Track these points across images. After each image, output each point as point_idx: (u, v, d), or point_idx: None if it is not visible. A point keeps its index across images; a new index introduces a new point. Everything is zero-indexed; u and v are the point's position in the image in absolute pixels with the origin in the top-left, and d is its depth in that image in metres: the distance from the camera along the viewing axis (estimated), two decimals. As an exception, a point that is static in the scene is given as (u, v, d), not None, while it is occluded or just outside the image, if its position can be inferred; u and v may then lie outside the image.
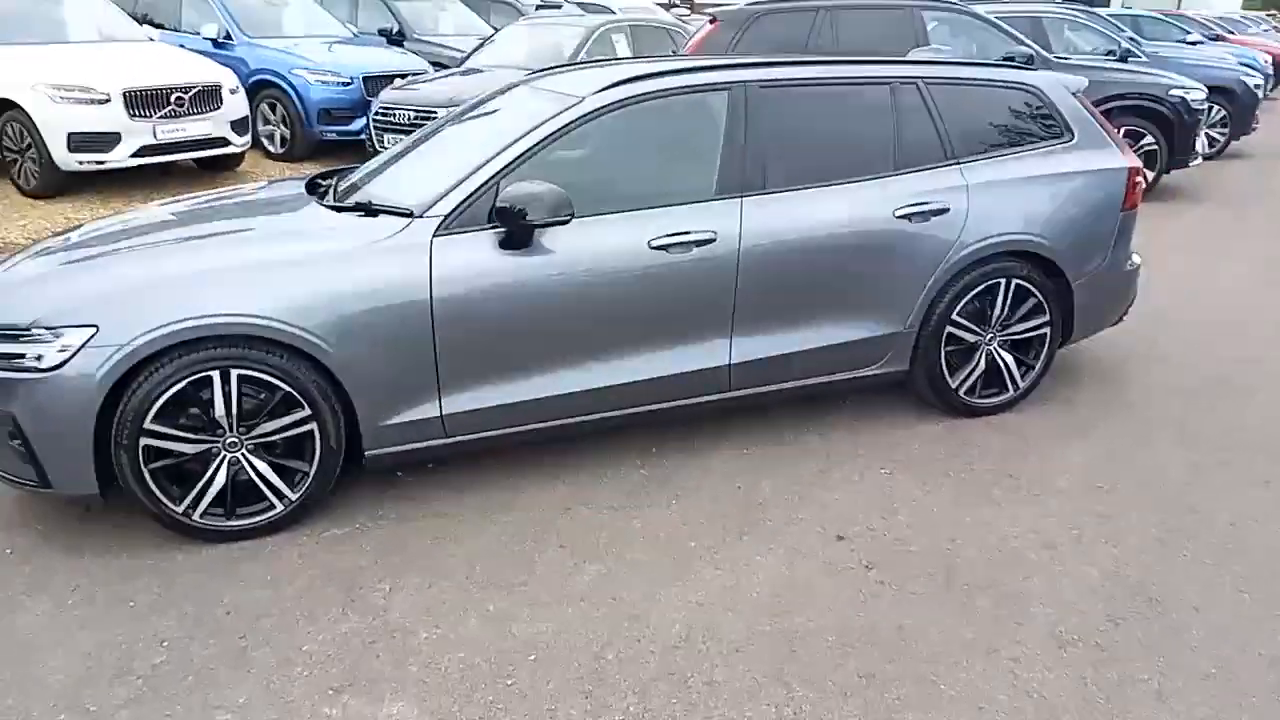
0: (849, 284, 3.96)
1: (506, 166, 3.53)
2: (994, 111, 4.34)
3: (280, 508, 3.37)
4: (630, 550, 3.31)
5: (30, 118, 8.07)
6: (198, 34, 10.66)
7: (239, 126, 9.00)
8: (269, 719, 2.53)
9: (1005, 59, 8.71)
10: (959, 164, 4.16)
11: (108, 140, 8.17)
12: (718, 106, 3.84)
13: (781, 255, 3.81)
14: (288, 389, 3.25)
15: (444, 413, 3.48)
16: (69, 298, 3.15)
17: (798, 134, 3.98)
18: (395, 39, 12.22)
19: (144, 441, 3.14)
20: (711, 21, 9.43)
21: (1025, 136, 4.36)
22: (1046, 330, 4.36)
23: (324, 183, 4.22)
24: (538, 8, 14.44)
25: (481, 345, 3.47)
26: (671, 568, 3.20)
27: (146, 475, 3.18)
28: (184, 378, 3.13)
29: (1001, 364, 4.32)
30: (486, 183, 3.48)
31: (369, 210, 3.57)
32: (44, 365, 3.06)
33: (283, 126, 10.29)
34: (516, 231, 3.42)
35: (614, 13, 12.42)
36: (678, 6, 24.01)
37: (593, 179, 3.72)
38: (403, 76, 10.28)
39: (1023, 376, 4.41)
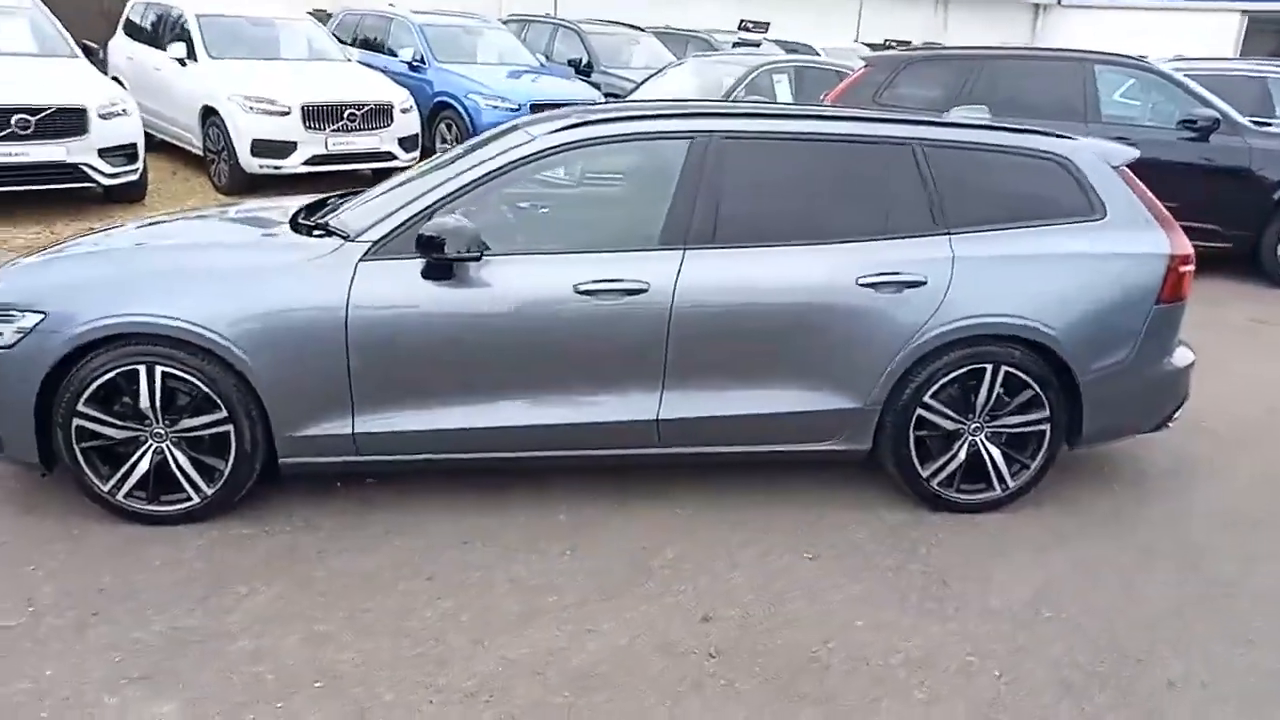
0: (798, 350, 3.72)
1: (444, 199, 3.60)
2: (1007, 181, 3.94)
3: (196, 500, 3.59)
4: (492, 594, 3.27)
5: (225, 124, 9.10)
6: (396, 56, 11.57)
7: (407, 142, 9.69)
8: (60, 695, 2.71)
9: (1184, 122, 7.87)
10: (949, 235, 3.80)
11: (284, 148, 9.05)
12: (676, 155, 3.73)
13: (720, 313, 3.65)
14: (206, 390, 3.47)
15: (356, 431, 3.58)
16: (32, 287, 3.54)
17: (762, 190, 3.80)
18: (583, 70, 12.71)
19: (77, 422, 3.45)
20: (864, 66, 9.13)
21: (1043, 210, 3.92)
22: (1045, 428, 3.89)
23: (329, 204, 4.46)
24: (734, 45, 14.53)
25: (396, 369, 3.55)
26: (516, 619, 3.13)
27: (78, 452, 3.50)
28: (114, 368, 3.42)
29: (987, 458, 3.90)
30: (420, 213, 3.57)
31: (326, 232, 3.75)
32: (2, 343, 3.45)
33: (455, 145, 10.94)
34: (433, 262, 3.49)
35: (816, 53, 12.26)
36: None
37: (536, 218, 3.73)
38: (568, 105, 10.66)
39: (1014, 475, 3.95)
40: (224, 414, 3.51)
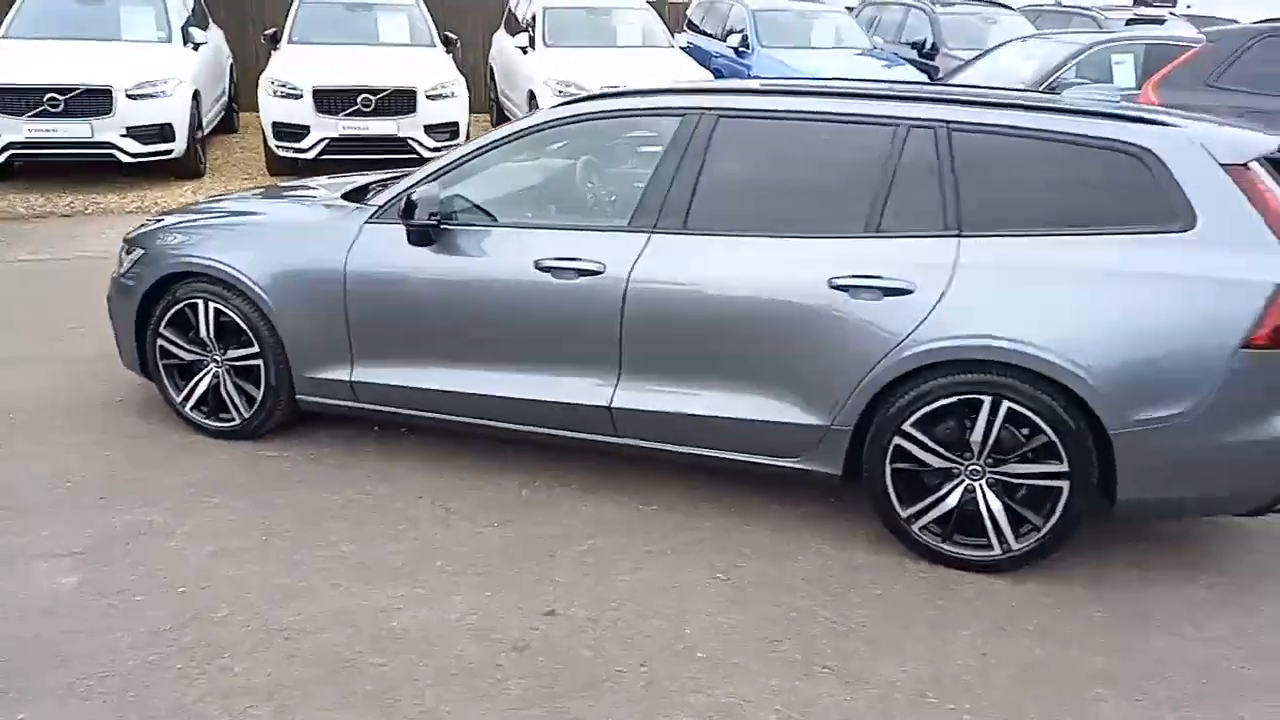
0: (759, 353, 3.35)
1: (442, 169, 3.78)
2: (1061, 177, 3.17)
3: (238, 421, 4.16)
4: (388, 548, 3.39)
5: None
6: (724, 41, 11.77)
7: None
8: None
9: None
10: (960, 237, 3.17)
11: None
12: (666, 133, 3.53)
13: (675, 303, 3.41)
14: (244, 327, 4.01)
15: (354, 379, 3.91)
16: (145, 232, 4.30)
17: (749, 173, 3.46)
18: (927, 52, 11.97)
19: (160, 342, 4.17)
20: (1206, 42, 7.58)
21: (1106, 215, 3.11)
22: (1063, 484, 3.11)
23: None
24: (1128, 22, 12.71)
25: (383, 326, 3.81)
26: (382, 573, 3.23)
27: (160, 367, 4.21)
28: (183, 300, 4.08)
29: (984, 509, 3.21)
30: (419, 181, 3.78)
31: (361, 200, 4.10)
32: (121, 270, 4.25)
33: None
34: (410, 228, 3.67)
35: (1161, 24, 10.45)
36: None
37: (520, 194, 3.76)
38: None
39: (1020, 535, 3.21)
40: (256, 349, 4.01)
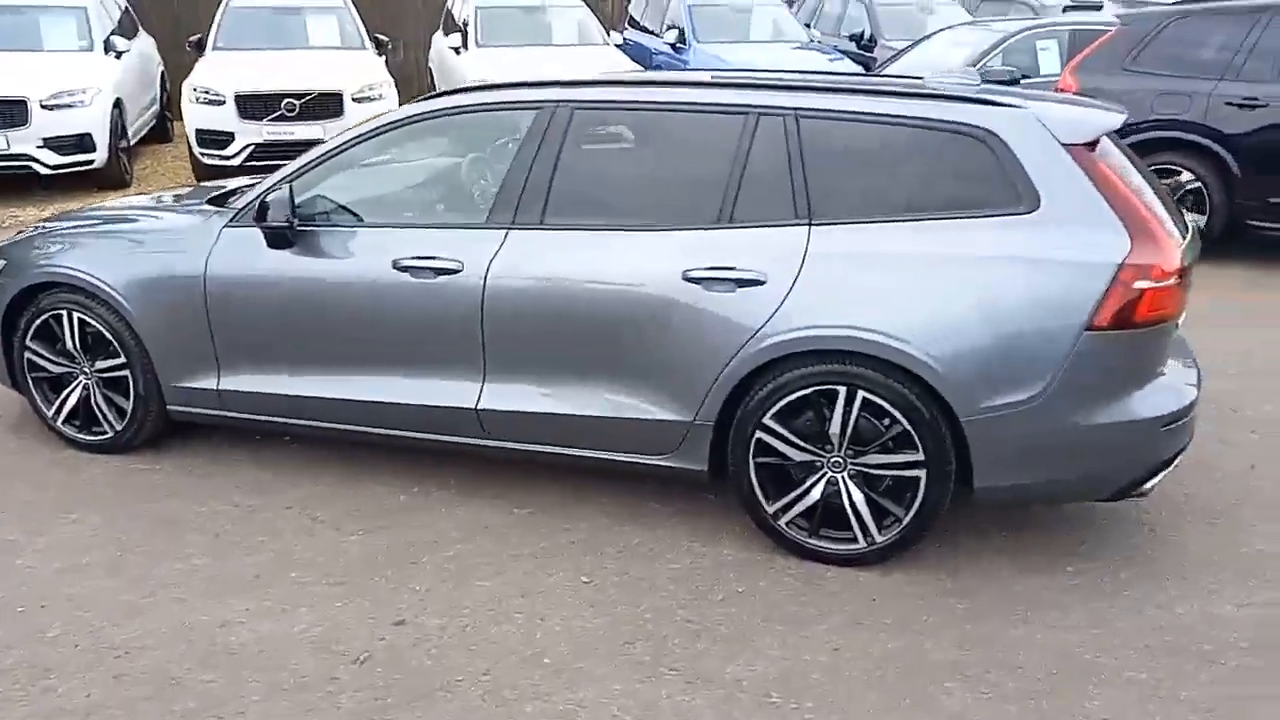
0: (620, 350, 3.28)
1: (300, 169, 3.69)
2: (909, 162, 3.13)
3: (110, 434, 4.05)
4: (247, 559, 3.30)
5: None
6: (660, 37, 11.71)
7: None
8: None
9: None
10: (810, 226, 3.12)
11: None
12: (521, 127, 3.46)
13: (534, 301, 3.34)
14: (109, 338, 3.89)
15: (220, 387, 3.81)
16: (5, 246, 4.18)
17: (604, 166, 3.41)
18: (865, 44, 11.95)
19: (27, 355, 4.05)
20: (1119, 25, 7.60)
21: (954, 200, 3.06)
22: (919, 474, 3.06)
23: None
24: (1065, 9, 12.74)
25: (245, 332, 3.72)
26: (234, 585, 3.14)
27: (30, 380, 4.09)
28: (45, 311, 3.96)
29: (848, 502, 3.16)
30: (278, 182, 3.68)
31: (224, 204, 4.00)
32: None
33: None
34: (267, 231, 3.58)
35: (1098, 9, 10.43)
36: None
37: (381, 192, 3.69)
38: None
39: (882, 528, 3.16)
40: (122, 360, 3.90)
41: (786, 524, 3.26)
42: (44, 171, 8.65)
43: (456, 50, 10.76)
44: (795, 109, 3.19)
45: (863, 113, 3.15)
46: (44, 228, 4.26)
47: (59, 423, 4.10)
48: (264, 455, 4.03)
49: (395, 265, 3.45)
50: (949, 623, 2.97)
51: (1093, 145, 3.03)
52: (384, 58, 10.27)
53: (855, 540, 3.19)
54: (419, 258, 3.43)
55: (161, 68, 11.70)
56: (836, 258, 3.07)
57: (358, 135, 3.65)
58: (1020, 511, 3.56)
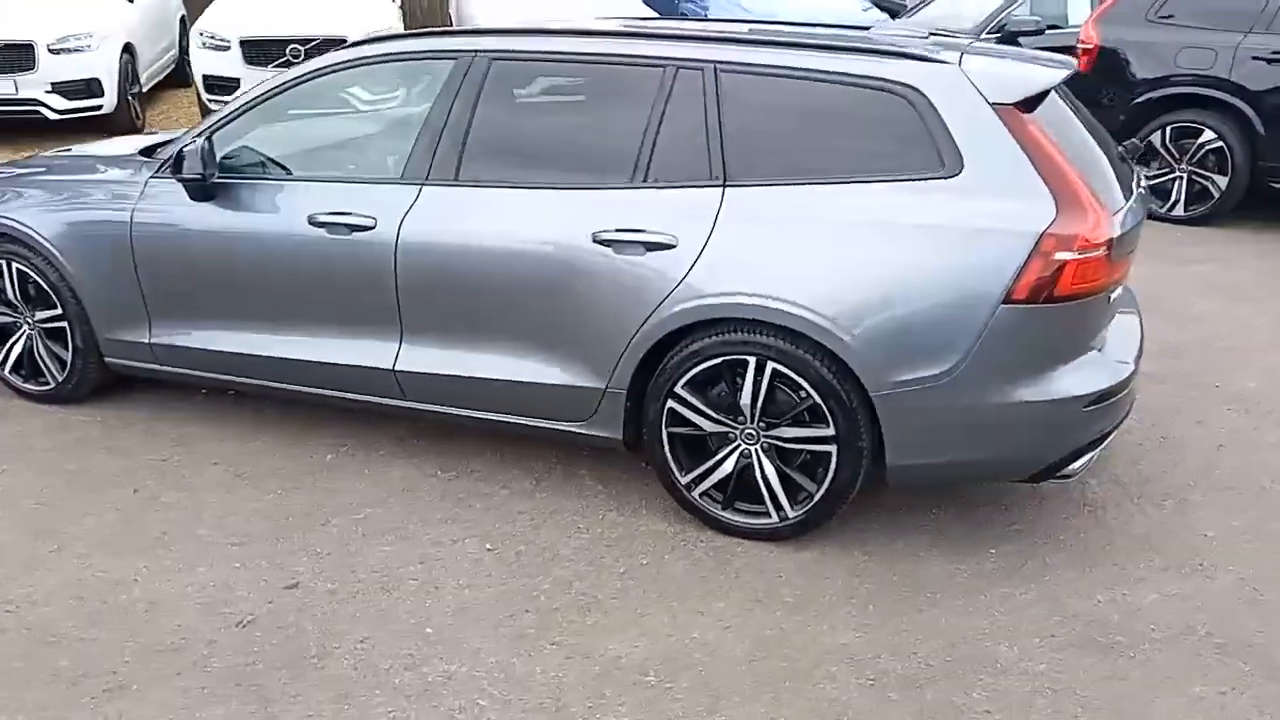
0: (533, 313, 3.18)
1: (222, 119, 3.61)
2: (830, 120, 2.95)
3: (52, 385, 4.05)
4: (156, 516, 3.27)
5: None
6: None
7: (60, 89, 8.77)
8: None
9: None
10: (724, 186, 2.96)
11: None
12: (439, 78, 3.33)
13: (446, 260, 3.24)
14: (46, 289, 3.88)
15: (152, 340, 3.78)
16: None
17: (521, 120, 3.27)
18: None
19: (-29, 312, 4.07)
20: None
21: (876, 160, 2.88)
22: (831, 449, 2.93)
23: None
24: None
25: (171, 285, 3.68)
26: (137, 544, 3.12)
27: (-24, 340, 4.11)
28: (-12, 260, 3.96)
29: (760, 476, 3.05)
30: (197, 134, 3.61)
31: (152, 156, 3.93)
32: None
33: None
34: (185, 183, 3.51)
35: None
36: None
37: (301, 144, 3.60)
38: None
39: (795, 503, 3.05)
40: (59, 311, 3.90)
41: (700, 495, 3.15)
42: (52, 116, 8.66)
43: (462, -7, 10.56)
44: (714, 62, 3.02)
45: (784, 67, 2.97)
46: None
47: (6, 372, 4.12)
48: (207, 409, 4.02)
49: (311, 221, 3.38)
50: (851, 604, 2.86)
51: (1027, 104, 2.82)
52: (399, 1, 10.11)
53: (768, 515, 3.09)
54: (334, 213, 3.35)
55: (182, 12, 11.67)
56: (748, 222, 2.93)
57: (280, 84, 3.55)
58: (958, 490, 3.41)
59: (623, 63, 3.14)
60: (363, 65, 3.47)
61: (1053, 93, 3.25)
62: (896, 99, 2.84)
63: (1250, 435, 3.86)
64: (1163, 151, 6.89)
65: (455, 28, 3.48)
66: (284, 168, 3.58)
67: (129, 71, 9.34)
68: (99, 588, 2.93)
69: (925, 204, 2.79)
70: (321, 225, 3.36)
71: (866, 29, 3.43)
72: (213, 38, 8.97)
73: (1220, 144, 6.70)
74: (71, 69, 8.65)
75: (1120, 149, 3.39)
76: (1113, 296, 2.93)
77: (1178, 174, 6.88)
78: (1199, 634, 2.74)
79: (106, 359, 3.92)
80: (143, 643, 2.69)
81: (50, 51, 8.56)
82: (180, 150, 3.46)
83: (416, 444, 3.74)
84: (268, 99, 3.56)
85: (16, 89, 8.50)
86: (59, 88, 8.60)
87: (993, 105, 2.78)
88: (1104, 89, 7.18)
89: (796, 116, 2.97)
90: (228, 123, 3.58)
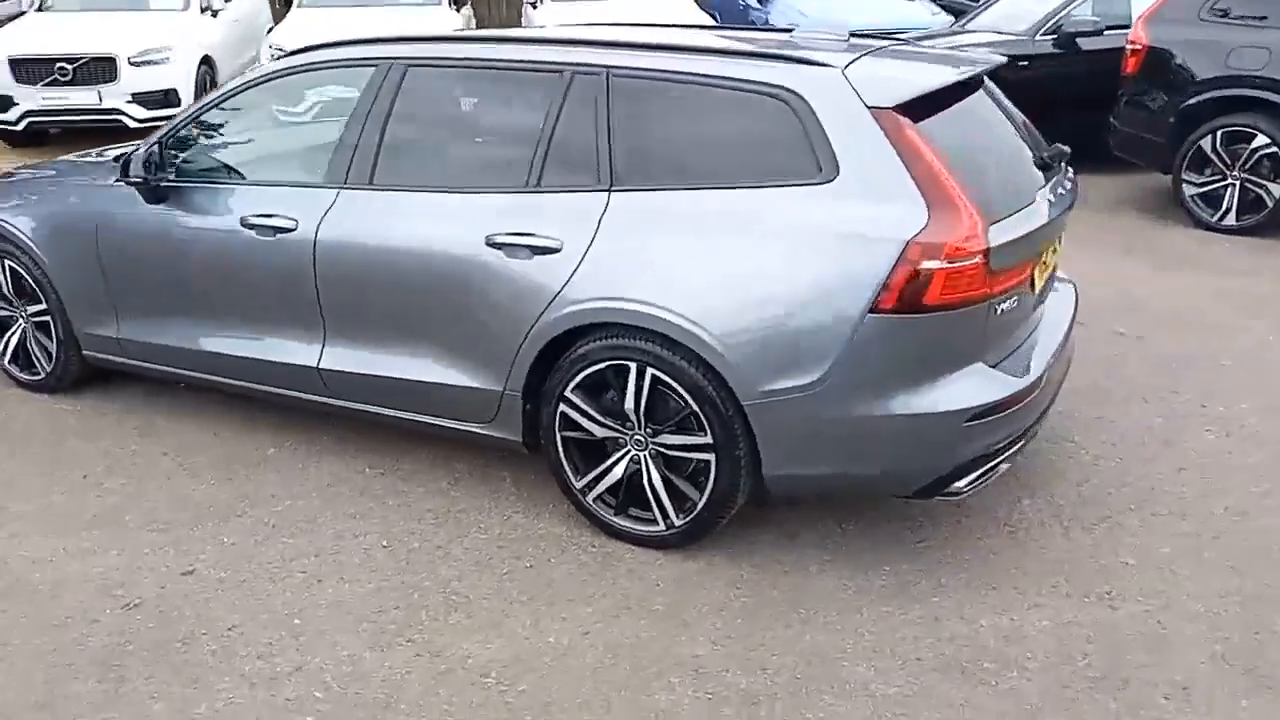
0: (438, 315, 3.23)
1: (175, 127, 3.79)
2: (712, 125, 2.90)
3: (42, 375, 4.33)
4: (95, 502, 3.46)
5: None
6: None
7: (149, 99, 9.13)
8: None
9: None
10: (609, 191, 2.95)
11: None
12: (360, 85, 3.43)
13: (358, 262, 3.33)
14: (33, 285, 4.15)
15: (120, 335, 4.00)
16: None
17: (432, 126, 3.33)
18: (965, -11, 11.19)
19: (-25, 301, 4.38)
20: (1196, -26, 6.79)
21: (756, 165, 2.82)
22: (710, 457, 2.88)
23: None
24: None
25: (132, 283, 3.89)
26: (72, 524, 3.31)
27: (-21, 325, 4.43)
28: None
29: (647, 483, 3.01)
30: (152, 141, 3.80)
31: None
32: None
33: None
34: (136, 186, 3.70)
35: None
36: None
37: (241, 149, 3.76)
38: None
39: (680, 512, 3.00)
40: (44, 305, 4.16)
41: (594, 500, 3.15)
42: (132, 125, 9.19)
43: (534, 4, 10.75)
44: (608, 67, 3.01)
45: (672, 72, 2.95)
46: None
47: (4, 362, 4.42)
48: (182, 403, 4.20)
49: (243, 222, 3.51)
50: (720, 616, 2.80)
51: (910, 107, 2.72)
52: (465, 12, 10.38)
53: (656, 522, 3.05)
54: (261, 215, 3.48)
55: (271, 24, 12.27)
56: (629, 227, 2.91)
57: (227, 91, 3.72)
58: (872, 504, 3.30)
59: (526, 68, 3.17)
60: (299, 74, 3.59)
61: (980, 91, 3.14)
62: (778, 103, 2.78)
63: (1221, 459, 3.61)
64: (1214, 158, 6.50)
65: (364, 38, 3.54)
66: (227, 171, 3.74)
67: (208, 82, 9.88)
68: (18, 565, 3.11)
69: (800, 209, 2.72)
70: (252, 227, 3.49)
71: (789, 30, 3.35)
72: (281, 50, 9.41)
73: (1275, 149, 6.27)
74: (150, 80, 9.23)
75: (1051, 150, 3.23)
76: (1008, 306, 2.78)
77: (1229, 181, 6.47)
78: (1076, 665, 2.58)
79: (84, 352, 4.16)
80: (35, 620, 2.85)
81: (131, 64, 9.10)
82: (127, 158, 3.65)
83: (355, 441, 3.83)
84: (214, 106, 3.73)
85: (100, 99, 9.07)
86: (139, 98, 9.18)
87: (870, 109, 2.69)
88: (1152, 92, 6.84)
89: (683, 121, 2.94)
90: (179, 130, 3.77)
